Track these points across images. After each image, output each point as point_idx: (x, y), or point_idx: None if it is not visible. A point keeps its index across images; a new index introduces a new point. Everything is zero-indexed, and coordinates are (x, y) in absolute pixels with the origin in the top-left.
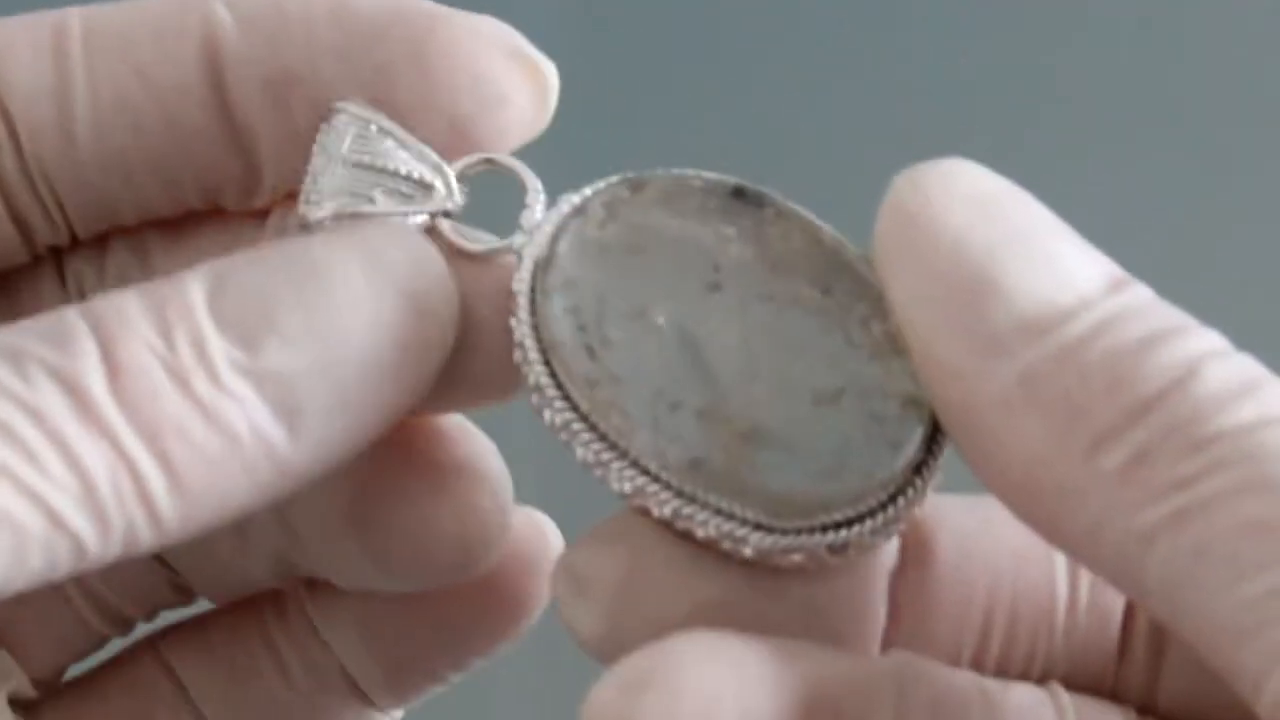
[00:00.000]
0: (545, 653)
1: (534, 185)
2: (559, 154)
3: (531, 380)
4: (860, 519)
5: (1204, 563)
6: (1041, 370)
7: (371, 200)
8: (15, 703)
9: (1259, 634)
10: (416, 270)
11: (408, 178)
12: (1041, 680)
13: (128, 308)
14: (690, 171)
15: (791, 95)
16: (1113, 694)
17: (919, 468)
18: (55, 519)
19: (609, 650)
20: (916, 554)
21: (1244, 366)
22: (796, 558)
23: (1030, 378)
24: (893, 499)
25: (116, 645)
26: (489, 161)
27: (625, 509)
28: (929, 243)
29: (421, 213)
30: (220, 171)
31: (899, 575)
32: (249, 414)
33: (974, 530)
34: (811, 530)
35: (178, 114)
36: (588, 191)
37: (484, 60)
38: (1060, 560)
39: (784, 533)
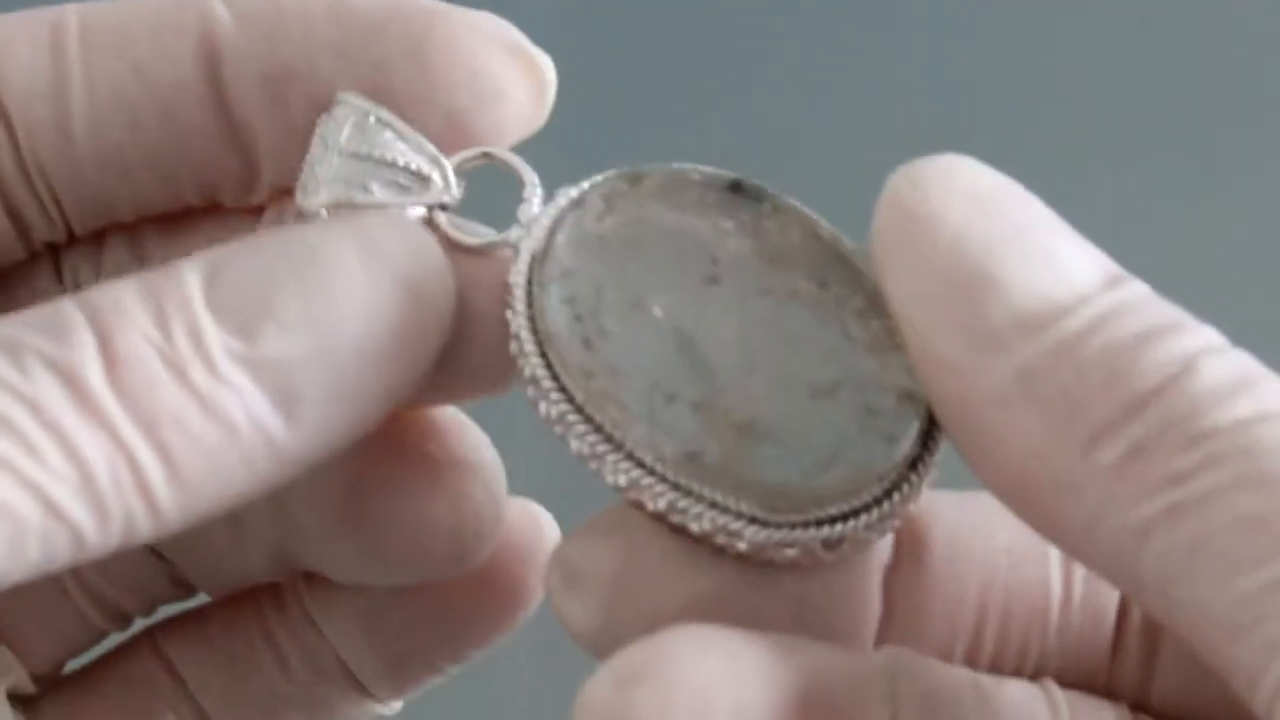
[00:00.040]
0: (542, 645)
1: (531, 180)
2: (556, 149)
3: (527, 372)
4: (855, 513)
5: (1199, 558)
6: (1039, 365)
7: (368, 190)
8: (14, 698)
9: (1254, 629)
10: (413, 258)
11: (405, 169)
12: (1035, 677)
13: (124, 298)
14: (688, 166)
15: (790, 92)
16: (1106, 691)
17: (914, 463)
18: (54, 509)
19: (603, 644)
20: (911, 550)
21: (1240, 362)
22: (791, 552)
23: (1028, 373)
24: (888, 494)
25: (114, 641)
26: (486, 156)
27: (620, 502)
28: (927, 238)
29: (418, 204)
30: (218, 168)
31: (893, 571)
32: (246, 403)
33: (968, 527)
34: (806, 525)
35: (175, 110)
36: (585, 185)
37: (482, 56)
38: (1055, 557)
39: (779, 526)
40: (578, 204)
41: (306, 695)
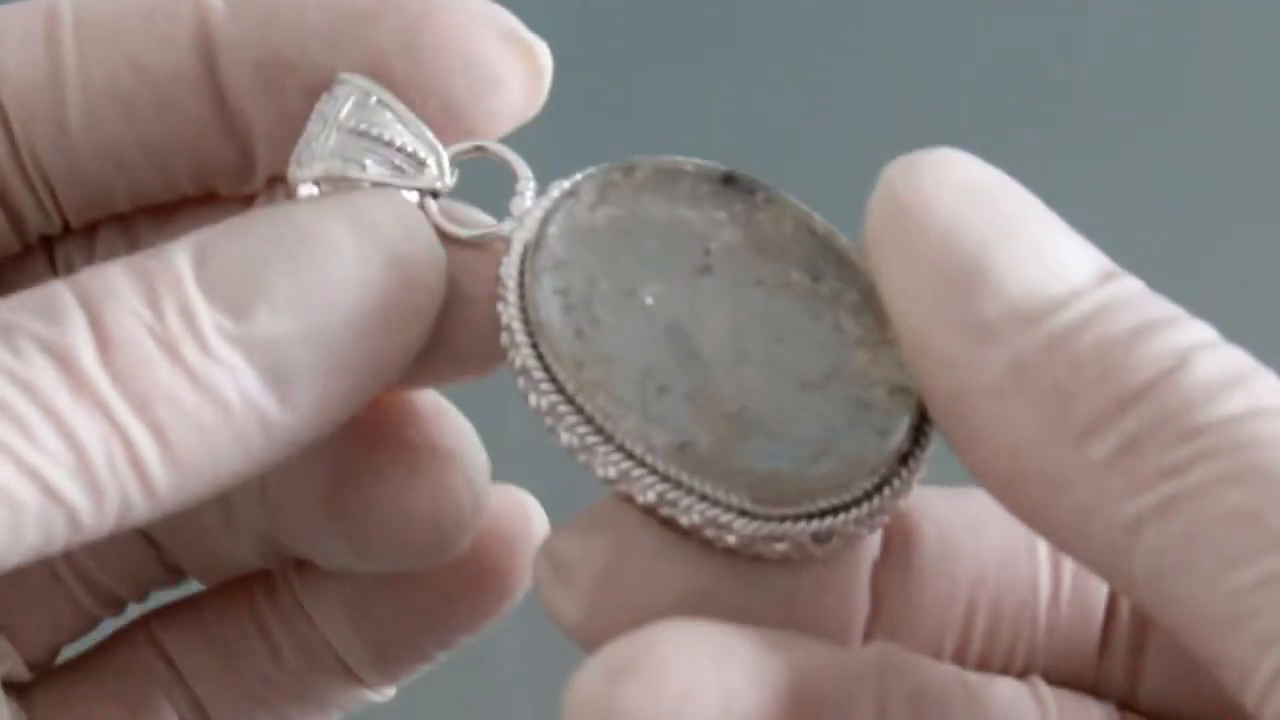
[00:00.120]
0: (532, 636)
1: (524, 173)
2: (549, 142)
3: (518, 363)
4: (845, 507)
5: (1192, 552)
6: (1032, 359)
7: (363, 167)
8: (9, 686)
9: (1246, 624)
10: (403, 235)
11: (402, 151)
12: (1023, 675)
13: (115, 280)
14: (681, 158)
15: (784, 87)
16: (1094, 689)
17: (905, 458)
18: (50, 492)
19: (592, 637)
20: (900, 546)
21: (1233, 358)
22: (781, 547)
23: (1021, 366)
24: (878, 488)
25: (108, 628)
26: (480, 149)
27: (609, 495)
28: (921, 232)
29: (411, 188)
30: (214, 157)
31: (881, 567)
32: (239, 381)
33: (958, 524)
34: (796, 518)
35: (170, 100)
36: (578, 176)
37: (477, 43)
38: (1043, 556)
39: (768, 519)
40: (570, 195)
41: (299, 682)
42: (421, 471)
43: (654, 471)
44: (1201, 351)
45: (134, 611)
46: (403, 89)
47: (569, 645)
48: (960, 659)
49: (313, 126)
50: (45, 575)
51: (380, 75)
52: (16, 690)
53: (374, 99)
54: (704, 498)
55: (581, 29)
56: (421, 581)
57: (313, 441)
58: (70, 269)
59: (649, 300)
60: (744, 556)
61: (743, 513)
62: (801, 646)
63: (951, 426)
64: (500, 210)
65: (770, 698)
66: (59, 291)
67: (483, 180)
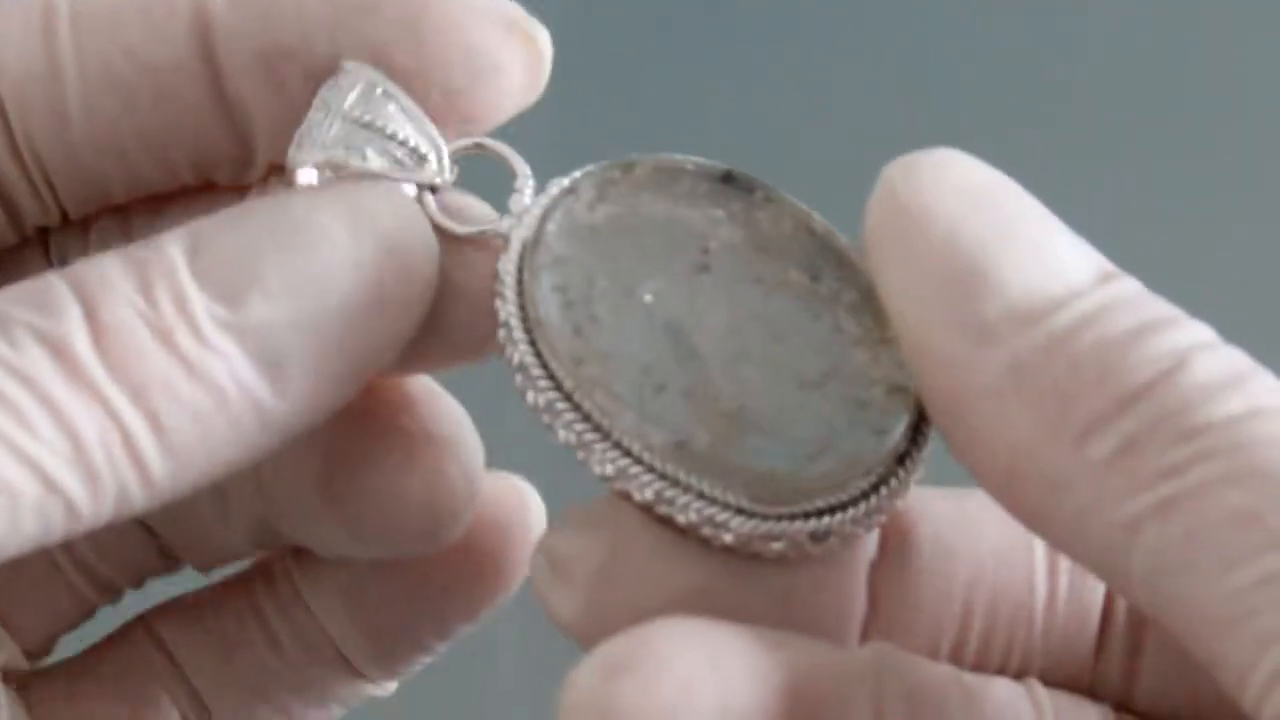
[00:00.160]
0: (528, 633)
1: (523, 171)
2: (548, 140)
3: (516, 360)
4: (842, 506)
5: (1190, 552)
6: (1031, 359)
7: (363, 157)
8: (8, 676)
9: (1245, 624)
10: (398, 225)
11: (404, 144)
12: (1019, 676)
13: (109, 270)
14: (680, 156)
15: (784, 86)
16: (1090, 691)
17: (903, 458)
18: (48, 482)
19: (588, 635)
20: (897, 546)
21: (1232, 358)
22: (778, 545)
23: (1020, 367)
24: (875, 488)
25: (108, 620)
26: (479, 146)
27: (607, 493)
28: (920, 233)
29: (410, 181)
30: (214, 147)
31: (879, 567)
32: (233, 368)
33: (955, 524)
34: (793, 517)
35: (169, 90)
36: (577, 174)
37: (477, 31)
38: (1040, 557)
39: (765, 518)
40: (569, 193)
41: (298, 674)
42: (416, 457)
43: (651, 469)
44: (1200, 352)
45: (131, 600)
46: (403, 77)
47: (566, 643)
48: (957, 659)
49: (316, 113)
50: (42, 562)
51: (381, 64)
52: (16, 684)
53: (379, 90)
54: (701, 496)
55: (582, 27)
56: (418, 569)
57: (307, 428)
58: (65, 261)
59: (648, 298)
60: (741, 555)
61: (740, 511)
62: (798, 645)
63: (950, 426)
64: (499, 208)
65: (767, 696)
66: (53, 282)
67: (482, 177)
